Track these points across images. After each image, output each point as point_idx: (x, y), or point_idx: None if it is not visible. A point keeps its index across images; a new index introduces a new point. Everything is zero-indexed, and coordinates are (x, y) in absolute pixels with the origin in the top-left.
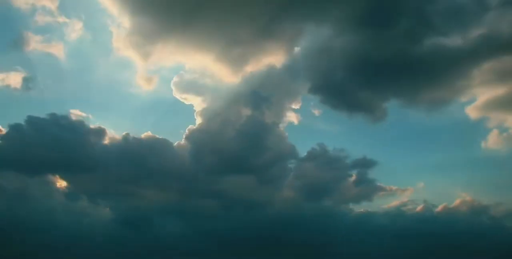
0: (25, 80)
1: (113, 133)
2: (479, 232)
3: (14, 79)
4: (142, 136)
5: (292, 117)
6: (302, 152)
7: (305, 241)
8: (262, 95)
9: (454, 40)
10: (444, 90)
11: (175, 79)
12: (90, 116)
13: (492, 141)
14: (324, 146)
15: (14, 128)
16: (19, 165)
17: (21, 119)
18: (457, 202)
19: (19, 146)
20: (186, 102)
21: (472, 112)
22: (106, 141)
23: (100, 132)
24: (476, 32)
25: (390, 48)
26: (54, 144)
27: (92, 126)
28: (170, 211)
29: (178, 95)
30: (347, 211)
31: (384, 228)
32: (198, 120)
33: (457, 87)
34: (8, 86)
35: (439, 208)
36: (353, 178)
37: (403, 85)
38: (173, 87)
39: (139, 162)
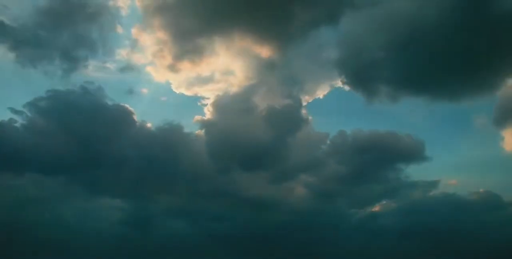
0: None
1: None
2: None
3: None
4: (157, 125)
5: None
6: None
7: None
8: (295, 79)
9: None
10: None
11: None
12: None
13: None
14: (354, 133)
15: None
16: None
17: None
18: (478, 196)
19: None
20: (202, 92)
21: None
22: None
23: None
24: None
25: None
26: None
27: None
28: (180, 210)
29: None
30: (365, 209)
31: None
32: (213, 110)
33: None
34: None
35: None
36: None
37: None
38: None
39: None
